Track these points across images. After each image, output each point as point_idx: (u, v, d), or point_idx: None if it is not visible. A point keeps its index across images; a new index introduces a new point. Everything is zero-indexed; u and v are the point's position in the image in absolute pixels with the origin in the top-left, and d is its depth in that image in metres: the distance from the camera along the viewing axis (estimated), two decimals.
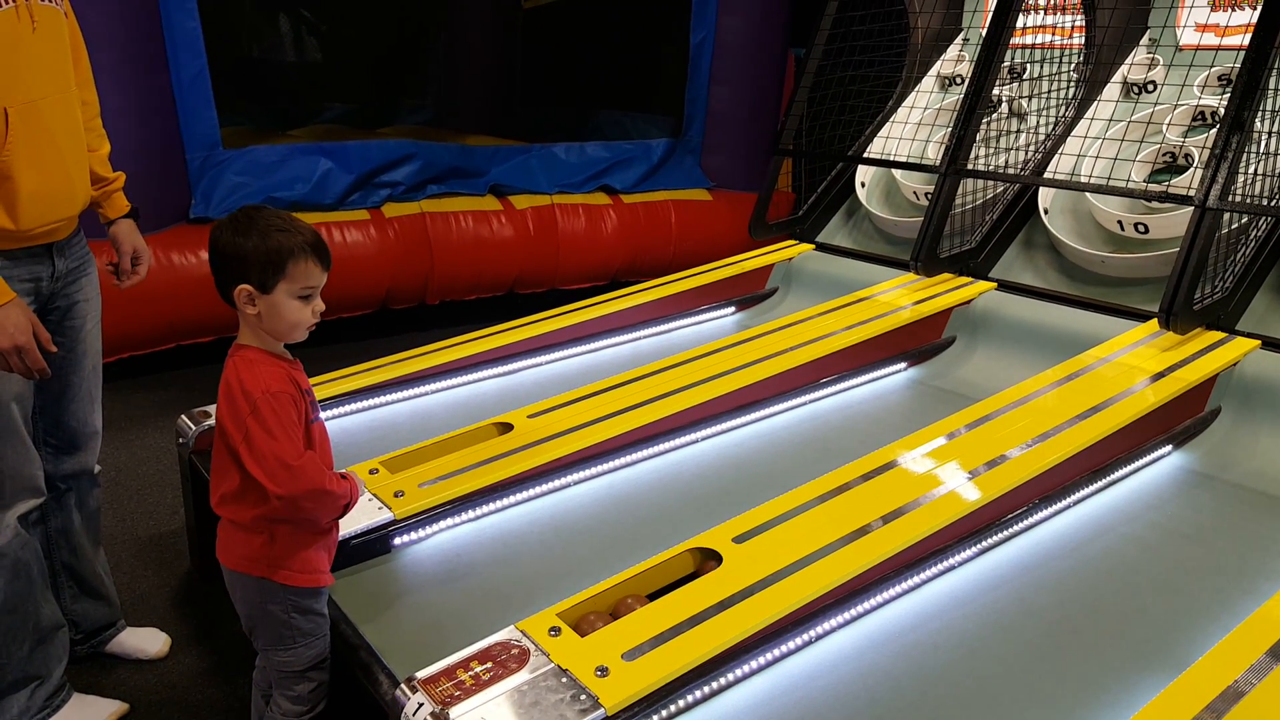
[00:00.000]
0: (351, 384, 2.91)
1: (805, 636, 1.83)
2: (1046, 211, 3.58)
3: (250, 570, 1.79)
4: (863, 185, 4.30)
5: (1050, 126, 3.82)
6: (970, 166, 3.66)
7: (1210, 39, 3.56)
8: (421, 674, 1.64)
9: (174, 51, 4.18)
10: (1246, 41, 2.93)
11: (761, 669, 1.76)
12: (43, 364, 1.92)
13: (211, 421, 2.64)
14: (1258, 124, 2.94)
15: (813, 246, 4.23)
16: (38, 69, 1.96)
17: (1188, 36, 3.69)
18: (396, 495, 2.25)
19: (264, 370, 1.74)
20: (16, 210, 1.94)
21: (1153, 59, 3.79)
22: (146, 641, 2.53)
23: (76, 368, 2.23)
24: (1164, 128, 3.48)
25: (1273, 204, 2.99)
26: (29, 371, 1.91)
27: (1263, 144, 3.00)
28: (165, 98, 4.21)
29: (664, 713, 1.62)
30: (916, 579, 2.02)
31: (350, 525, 2.10)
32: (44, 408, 2.20)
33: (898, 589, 1.99)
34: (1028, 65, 4.05)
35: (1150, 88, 3.72)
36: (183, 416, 2.71)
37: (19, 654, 2.13)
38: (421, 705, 1.57)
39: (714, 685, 1.69)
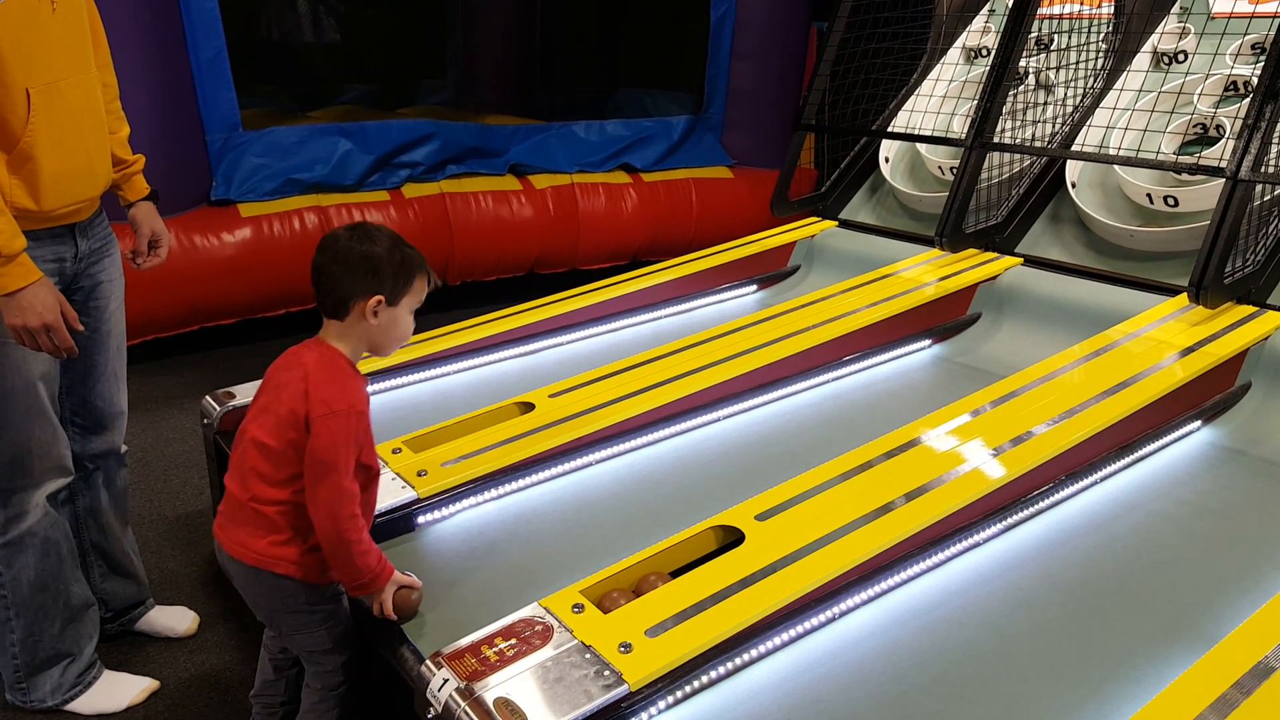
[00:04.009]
0: (374, 364, 2.92)
1: (828, 614, 1.82)
2: (1074, 185, 3.53)
3: (269, 567, 1.74)
4: (886, 160, 4.25)
5: (1078, 98, 3.75)
6: (996, 140, 3.61)
7: (1244, 6, 3.49)
8: (447, 650, 1.65)
9: (192, 33, 4.18)
10: None
11: (784, 646, 1.76)
12: (71, 343, 1.95)
13: (236, 401, 2.66)
14: None
15: (836, 223, 4.19)
16: (58, 50, 1.96)
17: (1220, 4, 3.61)
18: (419, 474, 2.25)
19: (352, 382, 1.73)
20: (39, 191, 1.95)
21: (1183, 28, 3.71)
22: (175, 620, 2.56)
23: (101, 347, 2.24)
24: (1195, 98, 3.42)
25: None
26: (57, 350, 1.94)
27: None
28: (184, 80, 4.22)
29: (687, 689, 1.62)
30: (941, 556, 2.00)
31: None
32: (70, 388, 2.22)
33: (921, 566, 1.97)
34: (1055, 36, 3.98)
35: (1181, 57, 3.65)
36: (207, 397, 2.73)
37: (50, 631, 2.17)
38: (447, 681, 1.58)
39: (737, 662, 1.69)
